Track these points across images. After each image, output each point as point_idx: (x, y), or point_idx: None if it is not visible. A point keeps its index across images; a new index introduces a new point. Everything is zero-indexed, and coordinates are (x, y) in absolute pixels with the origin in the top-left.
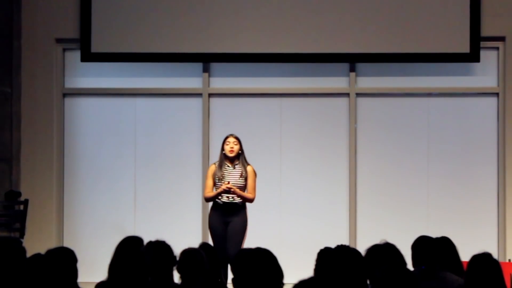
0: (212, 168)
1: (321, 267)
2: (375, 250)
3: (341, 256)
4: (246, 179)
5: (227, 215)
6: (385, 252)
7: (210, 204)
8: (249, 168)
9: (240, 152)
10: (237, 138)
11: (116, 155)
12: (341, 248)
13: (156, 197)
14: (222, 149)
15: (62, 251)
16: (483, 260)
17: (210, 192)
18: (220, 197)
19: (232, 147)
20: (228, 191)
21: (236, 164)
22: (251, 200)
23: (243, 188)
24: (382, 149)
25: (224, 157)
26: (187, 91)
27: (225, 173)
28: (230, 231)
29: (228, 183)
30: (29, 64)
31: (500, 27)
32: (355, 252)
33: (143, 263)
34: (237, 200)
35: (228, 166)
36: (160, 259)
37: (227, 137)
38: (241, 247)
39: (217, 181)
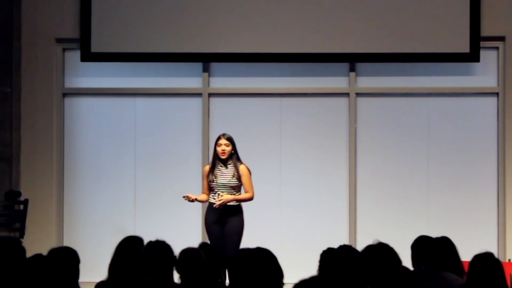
0: (206, 169)
1: (324, 268)
2: (369, 251)
3: (344, 256)
4: (239, 179)
5: (223, 216)
6: (379, 252)
7: (206, 204)
8: (241, 167)
9: (232, 152)
10: (229, 138)
11: (116, 155)
12: (344, 248)
13: (156, 197)
14: (215, 149)
15: (65, 251)
16: (485, 259)
17: (204, 194)
18: (214, 200)
19: (223, 149)
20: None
21: (229, 164)
22: (250, 199)
23: (237, 187)
24: (382, 149)
25: (216, 158)
26: (187, 91)
27: (217, 174)
28: (227, 231)
29: (220, 201)
30: (29, 64)
31: (500, 27)
32: (357, 252)
33: (143, 263)
34: (232, 203)
35: (221, 166)
36: (160, 259)
37: (219, 138)
38: (238, 248)
39: (210, 182)
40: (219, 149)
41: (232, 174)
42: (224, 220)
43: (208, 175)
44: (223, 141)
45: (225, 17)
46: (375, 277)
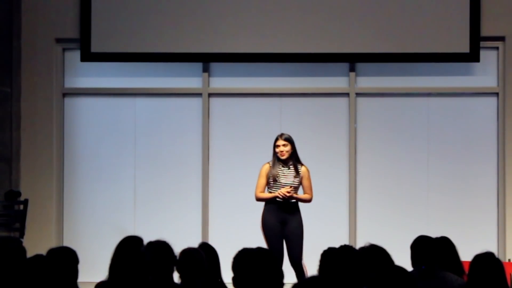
0: (266, 168)
1: (325, 268)
2: (362, 253)
3: (345, 256)
4: (300, 179)
5: (283, 214)
6: (372, 254)
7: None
8: (303, 169)
9: (292, 152)
10: (287, 139)
11: (116, 155)
12: (345, 248)
13: (156, 197)
14: (274, 149)
15: (64, 251)
16: (486, 259)
17: (263, 193)
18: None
19: (282, 151)
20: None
21: (290, 165)
22: (309, 201)
23: (297, 187)
24: (382, 148)
25: (276, 158)
26: (187, 91)
27: (279, 174)
28: (289, 231)
29: (290, 188)
30: (29, 64)
31: (500, 27)
32: (358, 253)
33: (143, 263)
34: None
35: (283, 167)
36: (160, 259)
37: (276, 139)
38: (302, 248)
39: (271, 181)
40: (277, 150)
41: (293, 174)
42: (285, 220)
43: (268, 174)
44: (280, 142)
45: (225, 17)
46: (370, 277)
